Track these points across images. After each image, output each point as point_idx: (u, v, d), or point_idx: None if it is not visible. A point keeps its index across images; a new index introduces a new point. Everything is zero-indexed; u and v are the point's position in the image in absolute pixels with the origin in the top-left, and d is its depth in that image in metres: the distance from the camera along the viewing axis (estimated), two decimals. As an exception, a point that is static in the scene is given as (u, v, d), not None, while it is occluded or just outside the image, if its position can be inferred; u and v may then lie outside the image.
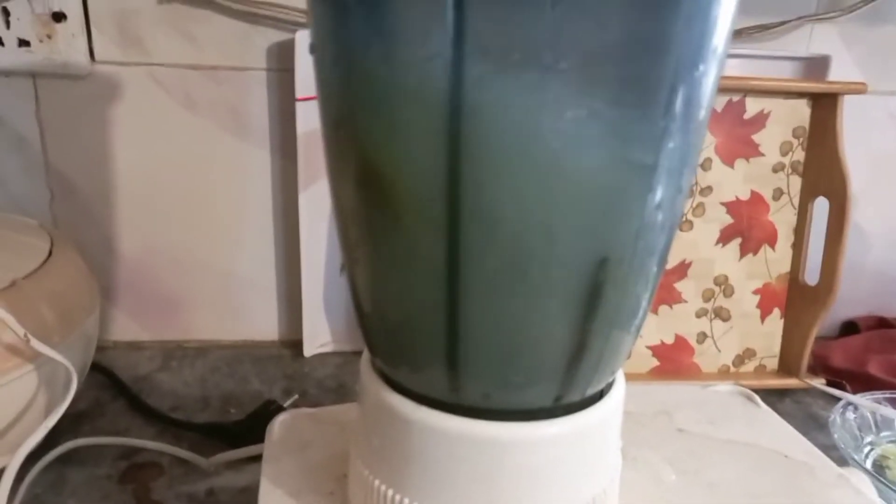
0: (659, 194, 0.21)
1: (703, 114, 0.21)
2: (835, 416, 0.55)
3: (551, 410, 0.25)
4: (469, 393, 0.24)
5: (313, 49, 0.22)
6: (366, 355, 0.27)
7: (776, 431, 0.37)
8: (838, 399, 0.58)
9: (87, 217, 0.64)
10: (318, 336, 0.67)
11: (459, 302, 0.22)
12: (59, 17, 0.58)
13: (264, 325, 0.70)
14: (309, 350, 0.67)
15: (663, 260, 0.24)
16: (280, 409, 0.53)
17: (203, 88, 0.62)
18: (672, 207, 0.22)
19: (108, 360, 0.64)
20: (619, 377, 0.27)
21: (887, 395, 0.57)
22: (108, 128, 0.62)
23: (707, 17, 0.19)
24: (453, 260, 0.21)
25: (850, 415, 0.56)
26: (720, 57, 0.20)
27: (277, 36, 0.62)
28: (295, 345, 0.68)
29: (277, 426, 0.35)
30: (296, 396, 0.55)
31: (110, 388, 0.60)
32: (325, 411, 0.36)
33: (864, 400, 0.56)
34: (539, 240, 0.21)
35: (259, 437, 0.47)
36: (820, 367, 0.67)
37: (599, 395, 0.26)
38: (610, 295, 0.22)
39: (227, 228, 0.66)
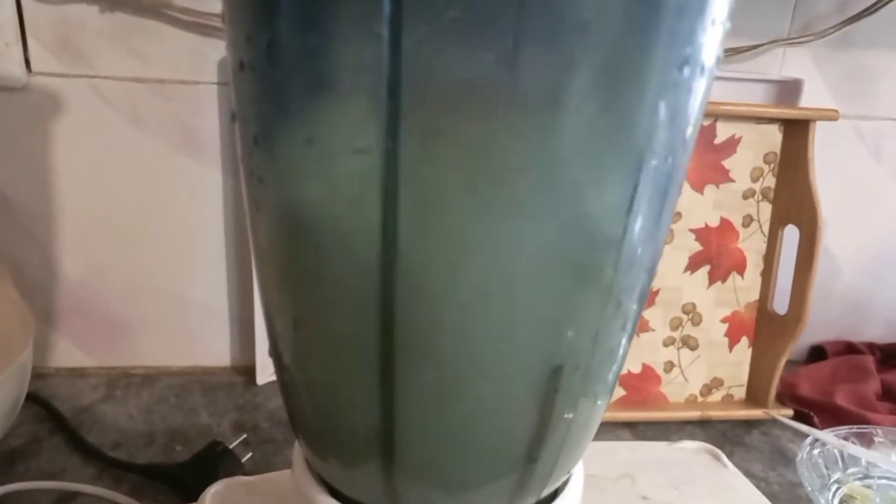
0: (618, 294, 0.19)
1: (667, 210, 0.18)
2: (801, 453, 0.53)
3: (501, 516, 0.22)
4: (409, 501, 0.22)
5: (234, 118, 0.20)
6: (298, 449, 0.25)
7: (742, 497, 0.35)
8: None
9: (26, 237, 0.60)
10: (272, 363, 0.64)
11: (395, 404, 0.20)
12: (-9, 25, 0.54)
13: (216, 351, 0.66)
14: (262, 378, 0.64)
15: (624, 356, 0.21)
16: (226, 450, 0.50)
17: (150, 103, 0.59)
18: (635, 304, 0.20)
19: (49, 388, 0.61)
20: (577, 471, 0.25)
21: (854, 431, 0.56)
22: (47, 143, 0.59)
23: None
24: (387, 365, 0.19)
25: (816, 451, 0.54)
26: (687, 154, 0.18)
27: (229, 49, 0.59)
28: (248, 371, 0.65)
29: (209, 499, 0.32)
30: (244, 436, 0.52)
31: (48, 420, 0.57)
32: (263, 480, 0.33)
33: (831, 436, 0.55)
34: (483, 349, 0.18)
35: (203, 481, 0.45)
36: (787, 395, 0.66)
37: (554, 495, 0.24)
38: (565, 402, 0.20)
39: (176, 249, 0.63)
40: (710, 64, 0.17)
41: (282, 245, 0.19)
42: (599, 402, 0.21)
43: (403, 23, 0.14)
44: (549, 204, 0.17)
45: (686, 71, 0.16)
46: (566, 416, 0.20)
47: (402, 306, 0.17)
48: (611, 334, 0.20)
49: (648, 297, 0.60)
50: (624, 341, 0.21)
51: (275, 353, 0.22)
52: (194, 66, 0.59)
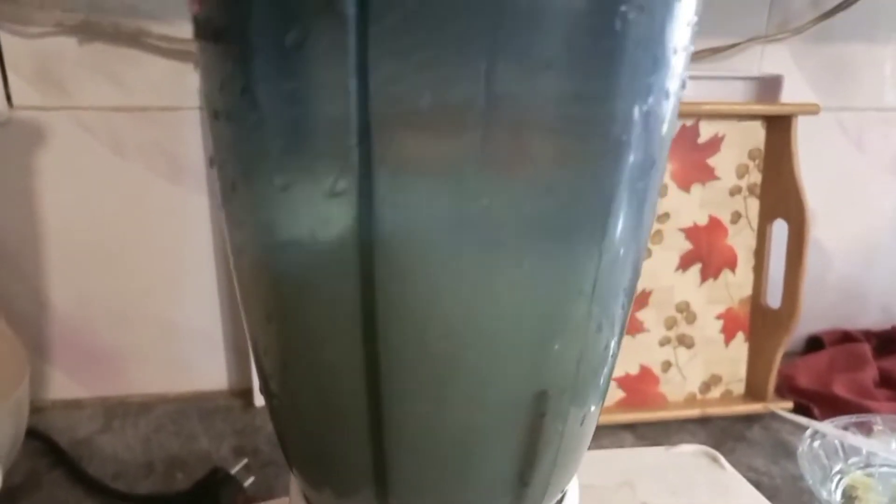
0: (598, 319, 0.19)
1: (643, 237, 0.18)
2: (802, 446, 0.53)
3: (497, 538, 0.22)
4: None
5: (212, 163, 0.20)
6: (294, 478, 0.25)
7: (740, 498, 0.35)
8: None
9: (14, 270, 0.60)
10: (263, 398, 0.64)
11: (385, 435, 0.20)
12: (-31, 62, 0.54)
13: (212, 375, 0.66)
14: (260, 400, 0.64)
15: (609, 376, 0.21)
16: (227, 476, 0.50)
17: (132, 131, 0.59)
18: (616, 327, 0.20)
19: (46, 422, 0.60)
20: (572, 486, 0.25)
21: (854, 420, 0.56)
22: (32, 176, 0.59)
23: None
24: (375, 397, 0.19)
25: (817, 443, 0.54)
26: (657, 178, 0.18)
27: (210, 73, 0.59)
28: (245, 394, 0.65)
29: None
30: (245, 461, 0.52)
31: (48, 455, 0.56)
32: (263, 508, 0.33)
33: (831, 427, 0.55)
34: (468, 377, 0.18)
35: (205, 509, 0.45)
36: (786, 387, 0.66)
37: (550, 512, 0.24)
38: (553, 425, 0.20)
39: (166, 276, 0.63)
40: (675, 88, 0.17)
41: (264, 287, 0.19)
42: (587, 423, 0.21)
43: (370, 70, 0.14)
44: (524, 230, 0.17)
45: (651, 100, 0.16)
46: (555, 439, 0.20)
47: (386, 340, 0.17)
48: (593, 358, 0.20)
49: (641, 298, 0.60)
50: (606, 367, 0.21)
51: (266, 389, 0.22)
52: (175, 92, 0.59)
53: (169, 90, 0.58)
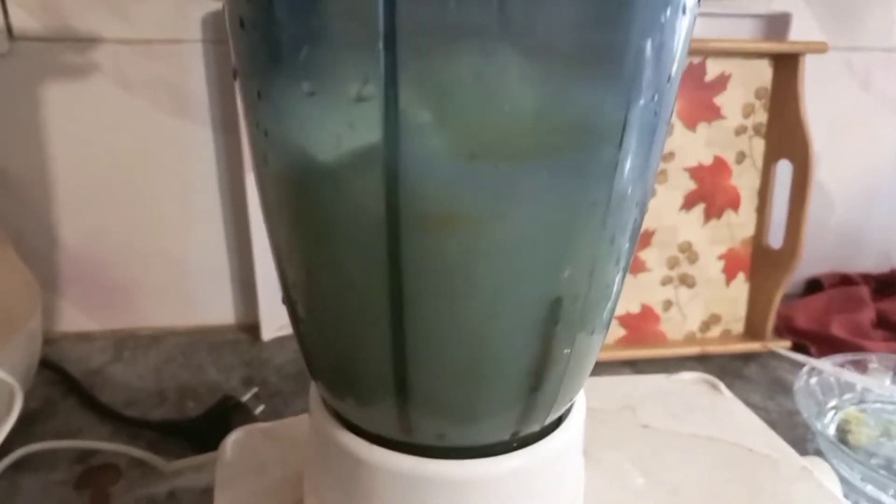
0: (612, 230, 0.19)
1: (656, 146, 0.19)
2: (799, 382, 0.55)
3: (509, 444, 0.23)
4: (422, 432, 0.23)
5: (235, 74, 0.20)
6: (315, 389, 0.26)
7: (740, 422, 0.36)
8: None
9: (23, 205, 0.61)
10: (276, 318, 0.65)
11: (406, 343, 0.21)
12: (-30, -8, 0.54)
13: (219, 310, 0.67)
14: (267, 334, 0.65)
15: (619, 290, 0.22)
16: (238, 404, 0.51)
17: (136, 64, 0.58)
18: (628, 239, 0.20)
19: (58, 353, 0.62)
20: (579, 399, 0.26)
21: (850, 358, 0.58)
22: (36, 109, 0.58)
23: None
24: (397, 306, 0.19)
25: (813, 380, 0.56)
26: (673, 90, 0.18)
27: (212, 5, 0.58)
28: (251, 328, 0.66)
29: (230, 446, 0.33)
30: (255, 389, 0.54)
31: (61, 384, 0.58)
32: (280, 426, 0.34)
33: (827, 364, 0.56)
34: (487, 285, 0.19)
35: (217, 435, 0.46)
36: (785, 328, 0.67)
37: (558, 422, 0.25)
38: (564, 333, 0.21)
39: (172, 210, 0.63)
40: (692, 3, 0.17)
41: (290, 196, 0.20)
42: (596, 335, 0.22)
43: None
44: (542, 142, 0.17)
45: (668, 11, 0.16)
46: (565, 348, 0.21)
47: (408, 248, 0.18)
48: (605, 270, 0.20)
49: (645, 238, 0.61)
50: (618, 278, 0.22)
51: (288, 300, 0.23)
52: (178, 25, 0.58)
53: (172, 23, 0.58)
